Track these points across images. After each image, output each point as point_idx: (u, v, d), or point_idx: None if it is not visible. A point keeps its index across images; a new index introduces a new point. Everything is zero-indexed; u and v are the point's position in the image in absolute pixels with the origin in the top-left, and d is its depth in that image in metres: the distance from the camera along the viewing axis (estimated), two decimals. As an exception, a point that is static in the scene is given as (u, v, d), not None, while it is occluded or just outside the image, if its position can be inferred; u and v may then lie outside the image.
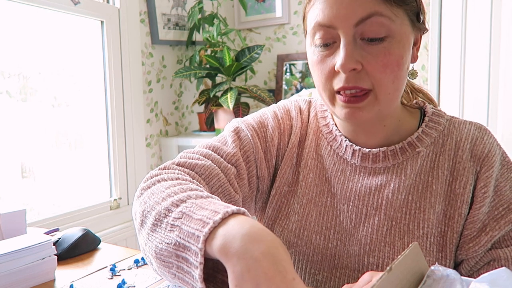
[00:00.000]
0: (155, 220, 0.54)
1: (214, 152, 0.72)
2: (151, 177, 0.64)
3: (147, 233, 0.55)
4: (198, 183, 0.64)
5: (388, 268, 0.42)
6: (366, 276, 0.53)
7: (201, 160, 0.69)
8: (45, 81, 1.70)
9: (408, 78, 0.71)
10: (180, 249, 0.49)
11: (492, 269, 0.65)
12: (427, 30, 0.69)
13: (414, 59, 0.68)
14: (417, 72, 0.71)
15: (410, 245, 0.47)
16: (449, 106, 1.89)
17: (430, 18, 1.94)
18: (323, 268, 0.72)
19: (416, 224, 0.68)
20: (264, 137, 0.77)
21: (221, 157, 0.72)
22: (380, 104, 0.64)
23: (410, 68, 0.68)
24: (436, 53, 1.93)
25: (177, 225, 0.51)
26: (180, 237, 0.50)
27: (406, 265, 0.45)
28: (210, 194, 0.57)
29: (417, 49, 0.69)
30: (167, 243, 0.51)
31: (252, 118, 0.80)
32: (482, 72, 1.79)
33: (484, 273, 0.66)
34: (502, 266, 0.64)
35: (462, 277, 0.45)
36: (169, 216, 0.53)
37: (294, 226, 0.74)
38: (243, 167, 0.73)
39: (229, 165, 0.71)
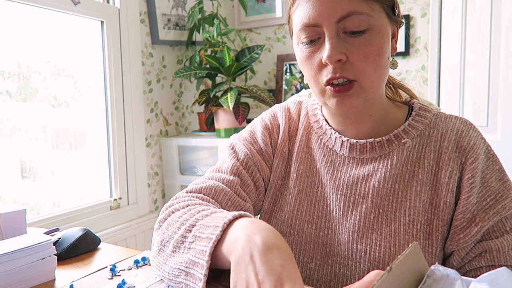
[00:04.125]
0: (174, 248, 0.63)
1: (217, 172, 0.79)
2: (166, 209, 0.71)
3: (165, 258, 0.63)
4: (207, 203, 0.71)
5: (388, 268, 0.42)
6: (371, 276, 0.53)
7: (206, 183, 0.76)
8: (45, 81, 1.70)
9: (390, 68, 0.75)
10: (190, 266, 0.58)
11: (484, 260, 0.67)
12: (403, 23, 0.75)
13: (393, 50, 0.73)
14: (397, 63, 0.76)
15: (410, 245, 0.47)
16: (449, 106, 1.89)
17: (430, 18, 1.94)
18: (315, 257, 0.74)
19: (403, 212, 0.70)
20: (255, 141, 0.82)
21: (223, 173, 0.78)
22: (366, 92, 0.69)
23: (390, 59, 0.73)
24: (436, 53, 1.93)
25: (192, 247, 0.59)
26: (193, 255, 0.58)
27: (406, 265, 0.45)
28: (215, 209, 0.65)
29: (396, 41, 0.74)
30: (180, 262, 0.59)
31: (244, 131, 0.86)
32: (482, 72, 1.79)
33: (476, 264, 0.67)
34: (494, 257, 0.66)
35: (462, 277, 0.45)
36: (185, 241, 0.62)
37: (287, 216, 0.78)
38: (245, 174, 0.78)
39: (232, 177, 0.77)
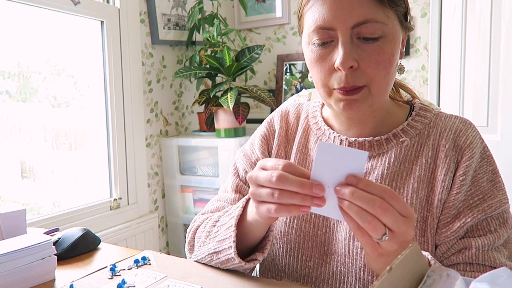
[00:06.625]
0: (200, 243, 0.77)
1: (223, 192, 0.88)
2: (189, 232, 0.83)
3: (195, 254, 0.78)
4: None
5: (388, 268, 0.42)
6: None
7: (214, 204, 0.86)
8: (45, 81, 1.70)
9: (397, 73, 0.75)
10: (218, 245, 0.70)
11: (462, 257, 0.67)
12: (413, 29, 0.75)
13: (401, 55, 0.73)
14: (404, 67, 0.76)
15: (410, 245, 0.47)
16: (449, 106, 1.89)
17: (430, 18, 1.94)
18: (314, 255, 0.76)
19: None
20: (253, 152, 0.87)
21: (228, 192, 0.87)
22: (373, 97, 0.69)
23: (398, 64, 0.73)
24: (436, 53, 1.93)
25: (217, 234, 0.72)
26: (220, 236, 0.70)
27: (406, 265, 0.45)
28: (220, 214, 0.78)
29: (403, 46, 0.74)
30: (208, 248, 0.73)
31: (247, 142, 0.91)
32: (482, 72, 1.79)
33: (454, 260, 0.67)
34: (472, 255, 0.66)
35: (462, 277, 0.45)
36: (210, 235, 0.75)
37: (285, 216, 0.79)
38: (246, 189, 0.85)
39: (234, 195, 0.84)
